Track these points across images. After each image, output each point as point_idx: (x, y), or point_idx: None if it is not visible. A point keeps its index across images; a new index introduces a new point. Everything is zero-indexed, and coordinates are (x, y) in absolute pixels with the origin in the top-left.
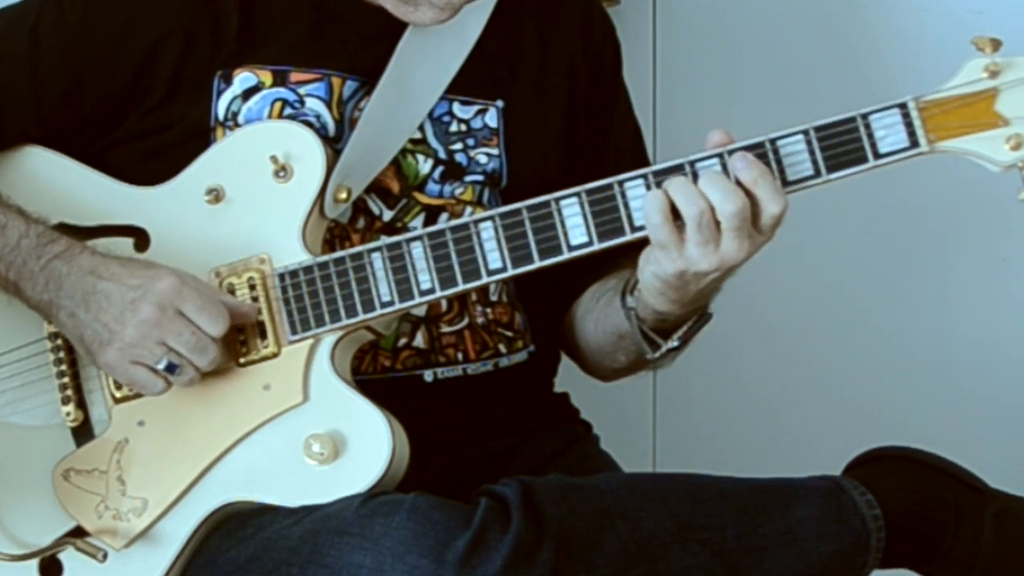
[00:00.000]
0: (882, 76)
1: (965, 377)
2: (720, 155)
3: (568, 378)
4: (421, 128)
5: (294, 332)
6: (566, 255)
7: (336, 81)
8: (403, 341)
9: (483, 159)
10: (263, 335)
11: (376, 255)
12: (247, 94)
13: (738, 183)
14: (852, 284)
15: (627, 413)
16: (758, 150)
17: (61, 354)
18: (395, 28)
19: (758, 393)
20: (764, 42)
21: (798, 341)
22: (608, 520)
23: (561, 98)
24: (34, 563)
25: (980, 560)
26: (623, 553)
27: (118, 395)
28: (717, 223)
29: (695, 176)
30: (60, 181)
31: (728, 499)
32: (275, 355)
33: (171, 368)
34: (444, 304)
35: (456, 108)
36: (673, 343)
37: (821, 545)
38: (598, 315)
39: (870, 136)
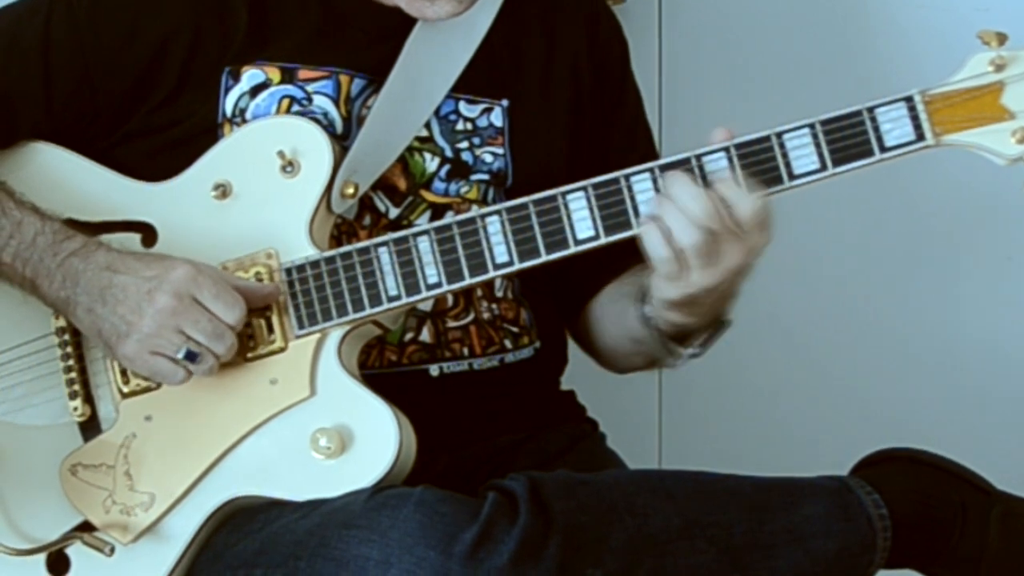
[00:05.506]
0: (887, 74)
1: (971, 377)
2: (727, 148)
3: (574, 376)
4: (428, 126)
5: (301, 327)
6: (573, 249)
7: (344, 79)
8: (409, 335)
9: (489, 158)
10: (270, 329)
11: (383, 249)
12: (255, 91)
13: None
14: (858, 283)
15: (633, 411)
16: (764, 144)
17: (68, 349)
18: (402, 26)
19: (764, 392)
20: (769, 39)
21: (804, 340)
22: (615, 515)
23: (566, 97)
24: (41, 558)
25: (985, 560)
26: (630, 548)
27: (125, 390)
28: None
29: (701, 169)
30: (68, 177)
31: (735, 496)
32: (282, 349)
33: (191, 356)
34: (450, 299)
35: (462, 107)
36: (694, 351)
37: (827, 543)
38: (615, 319)
39: (876, 129)
